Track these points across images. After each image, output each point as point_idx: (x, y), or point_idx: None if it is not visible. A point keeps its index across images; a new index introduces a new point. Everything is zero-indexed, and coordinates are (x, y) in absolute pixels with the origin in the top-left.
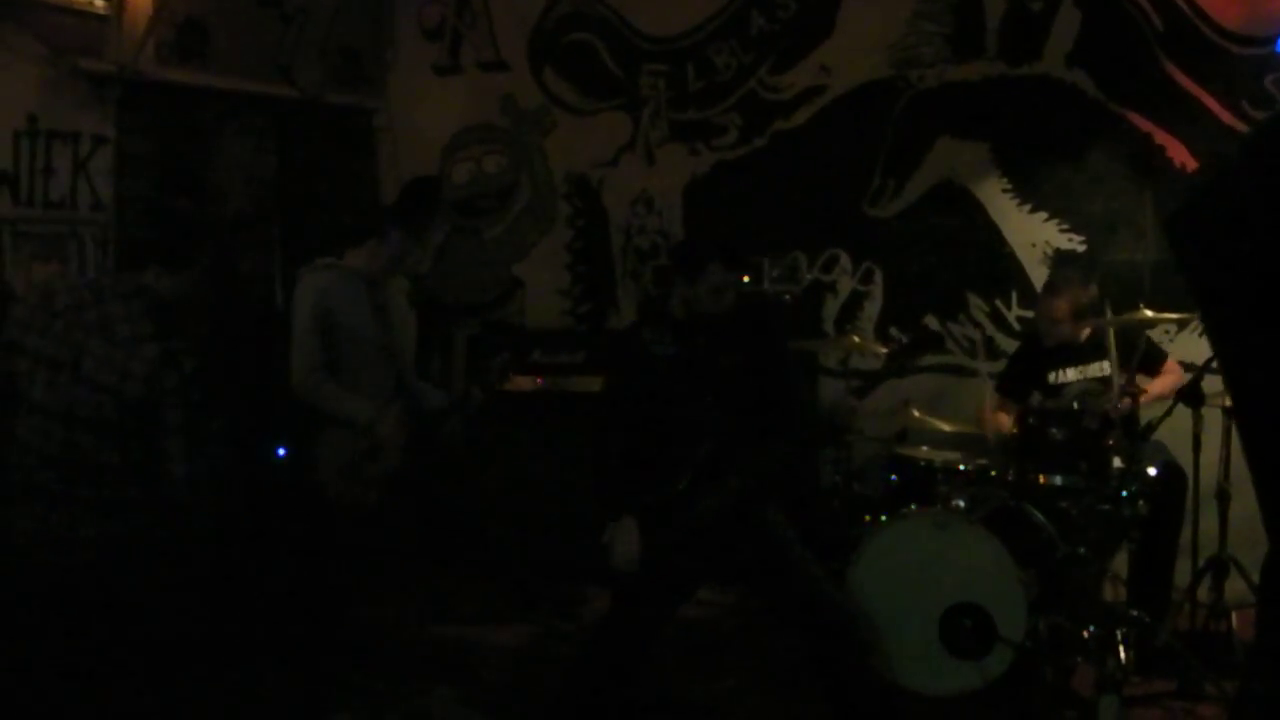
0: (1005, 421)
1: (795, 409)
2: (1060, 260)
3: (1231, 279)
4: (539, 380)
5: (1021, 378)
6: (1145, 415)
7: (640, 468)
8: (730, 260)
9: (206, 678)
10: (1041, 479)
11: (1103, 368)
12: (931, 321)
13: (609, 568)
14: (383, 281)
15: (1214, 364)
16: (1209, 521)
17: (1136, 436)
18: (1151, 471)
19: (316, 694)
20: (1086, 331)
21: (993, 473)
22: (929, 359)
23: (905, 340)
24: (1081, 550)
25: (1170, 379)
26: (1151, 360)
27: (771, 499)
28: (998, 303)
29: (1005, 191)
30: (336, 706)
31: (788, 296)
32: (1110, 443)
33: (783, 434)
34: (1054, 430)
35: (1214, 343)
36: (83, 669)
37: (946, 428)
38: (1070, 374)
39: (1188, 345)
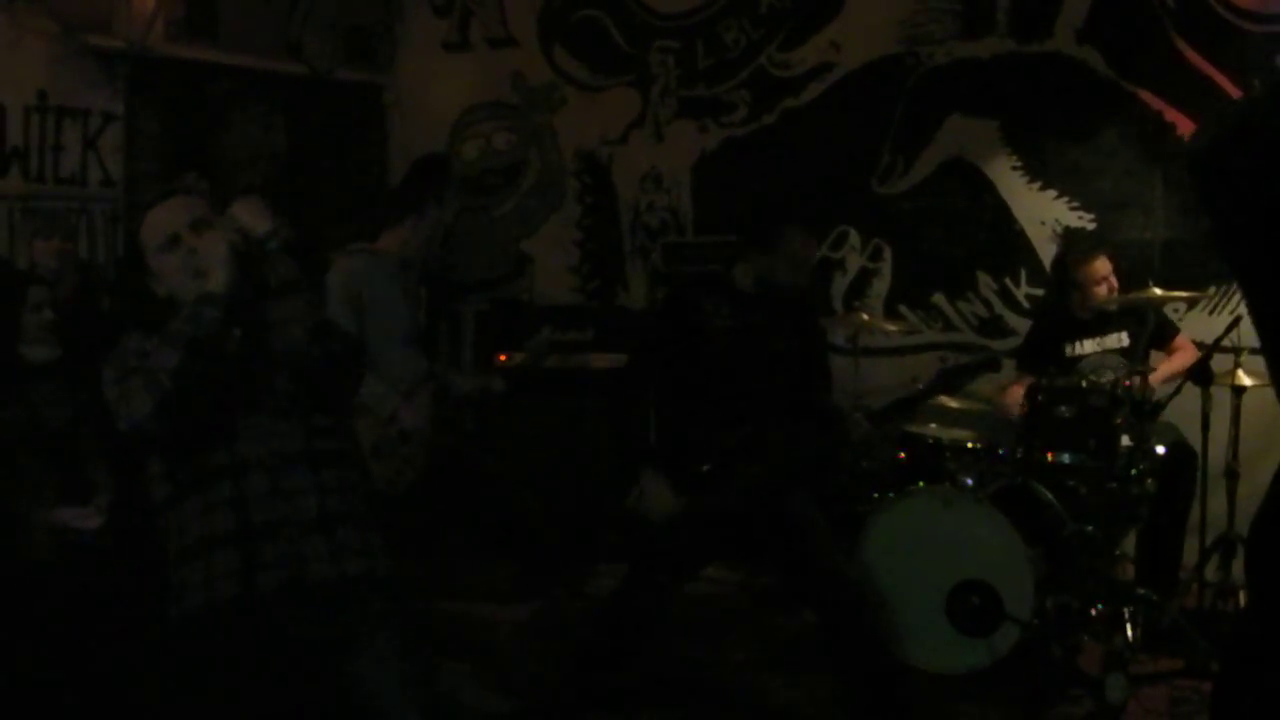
0: (1020, 395)
1: (829, 395)
2: (1070, 235)
3: (1260, 220)
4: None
5: (1040, 351)
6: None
7: (676, 437)
8: (808, 227)
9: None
10: (1050, 457)
11: (1120, 339)
12: (940, 299)
13: (639, 521)
14: (416, 264)
15: (1223, 342)
16: (1217, 500)
17: (1145, 415)
18: (1160, 450)
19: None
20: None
21: (1000, 450)
22: (936, 337)
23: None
24: (1089, 529)
25: (1182, 356)
26: (1162, 335)
27: (795, 474)
28: (1007, 281)
29: (1015, 169)
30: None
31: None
32: (1119, 421)
33: (823, 421)
34: (1062, 408)
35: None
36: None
37: (955, 405)
38: (1088, 345)
39: (1198, 324)
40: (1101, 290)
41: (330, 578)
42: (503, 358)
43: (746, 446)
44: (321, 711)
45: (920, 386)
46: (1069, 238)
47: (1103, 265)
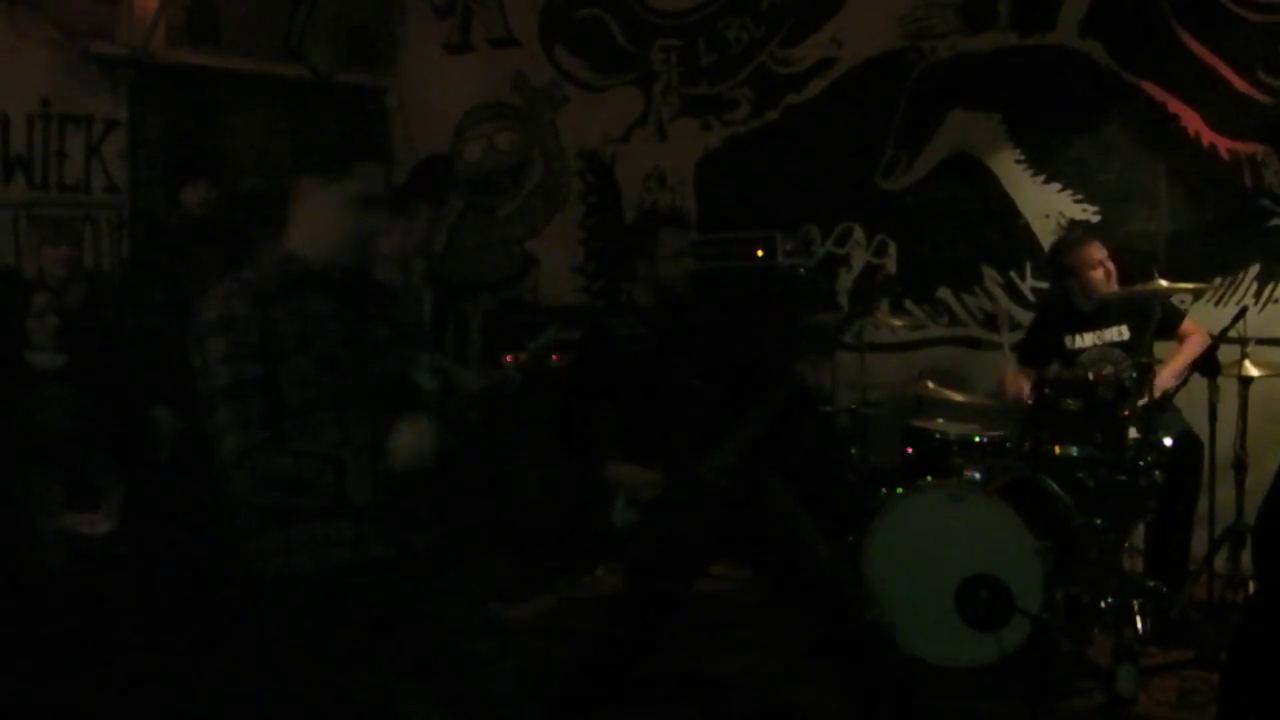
0: (1025, 387)
1: (780, 370)
2: (1070, 227)
3: None
4: (554, 357)
5: (1040, 344)
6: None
7: (637, 452)
8: (679, 224)
9: (227, 651)
10: (1057, 450)
11: (1120, 332)
12: (945, 294)
13: (626, 544)
14: (411, 264)
15: (1230, 333)
16: (1225, 491)
17: (1153, 406)
18: (1167, 441)
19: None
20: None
21: (1008, 444)
22: (942, 331)
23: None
24: (1098, 521)
25: (1193, 343)
26: (1169, 324)
27: (774, 471)
28: (1012, 274)
29: (1018, 162)
30: (351, 684)
31: (801, 270)
32: (1126, 413)
33: (770, 393)
34: (1069, 400)
35: None
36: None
37: (961, 399)
38: (1087, 338)
39: (1203, 315)
40: (1098, 274)
41: (427, 545)
42: (509, 359)
43: (700, 440)
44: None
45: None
46: (1067, 230)
47: (1096, 249)
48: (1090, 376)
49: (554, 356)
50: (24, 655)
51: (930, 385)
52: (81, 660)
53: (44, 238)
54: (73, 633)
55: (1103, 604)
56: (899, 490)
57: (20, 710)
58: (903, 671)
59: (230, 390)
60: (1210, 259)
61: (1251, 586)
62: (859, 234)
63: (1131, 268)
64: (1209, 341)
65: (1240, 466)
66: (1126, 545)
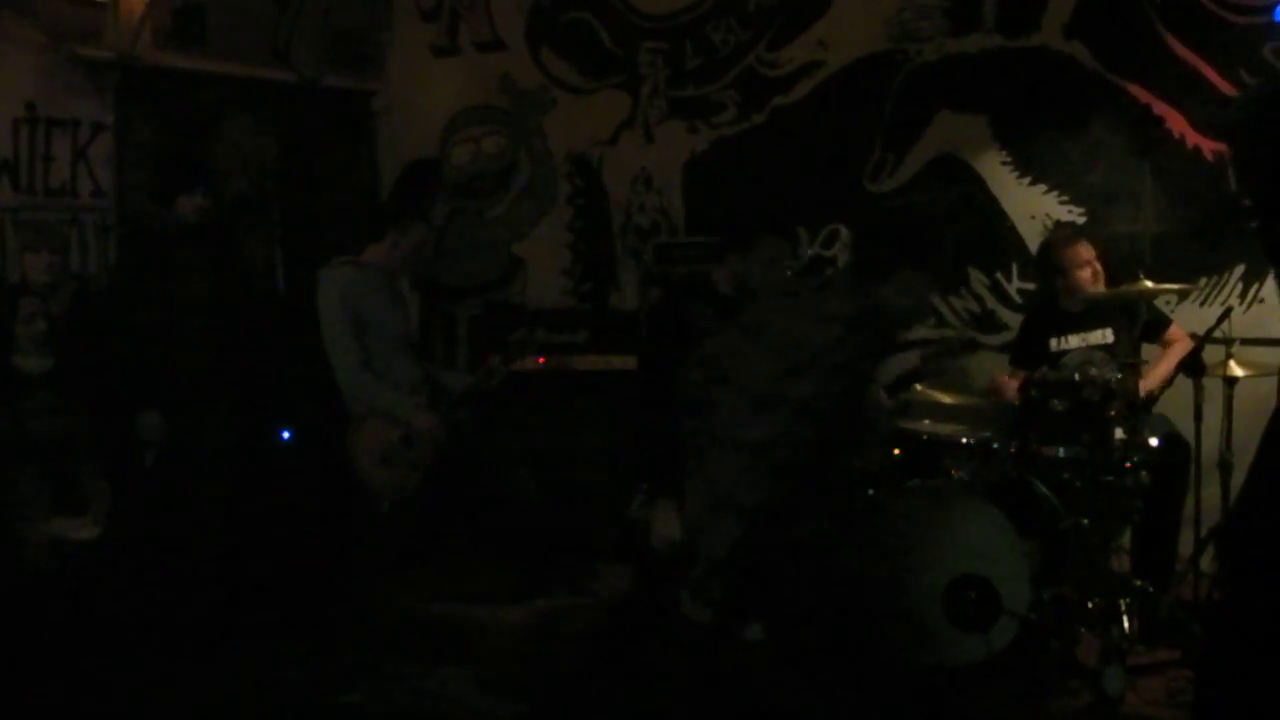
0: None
1: None
2: (1057, 227)
3: None
4: (540, 360)
5: (1030, 347)
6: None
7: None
8: (780, 231)
9: (216, 656)
10: (1044, 451)
11: (1105, 335)
12: (932, 295)
13: (641, 530)
14: (402, 274)
15: (1215, 333)
16: (1211, 491)
17: (1138, 407)
18: (1154, 442)
19: (326, 674)
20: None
21: (995, 445)
22: (929, 333)
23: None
24: (1085, 521)
25: (1178, 349)
26: (1155, 327)
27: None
28: (998, 275)
29: (1004, 164)
30: (346, 687)
31: (789, 272)
32: (1112, 414)
33: None
34: (1055, 401)
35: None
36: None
37: (948, 401)
38: (1072, 340)
39: (1188, 316)
40: (1085, 275)
41: None
42: (491, 358)
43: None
44: None
45: None
46: (1055, 229)
47: (1085, 249)
48: (1076, 378)
49: (540, 360)
50: (10, 659)
51: (917, 386)
52: (67, 664)
53: (27, 244)
54: (59, 637)
55: (1090, 604)
56: (887, 492)
57: (7, 713)
58: (902, 671)
59: None
60: (1195, 260)
61: None
62: (846, 236)
63: (1117, 269)
64: (1190, 347)
65: (1225, 467)
66: (1113, 545)
